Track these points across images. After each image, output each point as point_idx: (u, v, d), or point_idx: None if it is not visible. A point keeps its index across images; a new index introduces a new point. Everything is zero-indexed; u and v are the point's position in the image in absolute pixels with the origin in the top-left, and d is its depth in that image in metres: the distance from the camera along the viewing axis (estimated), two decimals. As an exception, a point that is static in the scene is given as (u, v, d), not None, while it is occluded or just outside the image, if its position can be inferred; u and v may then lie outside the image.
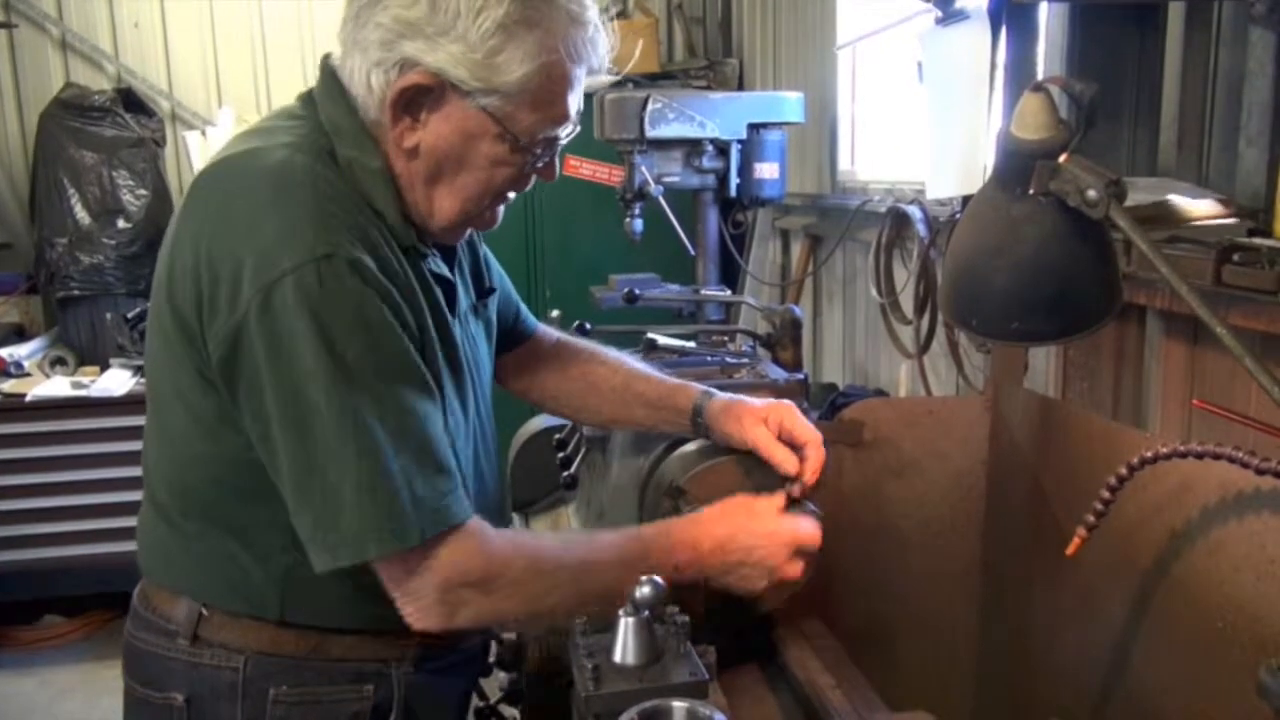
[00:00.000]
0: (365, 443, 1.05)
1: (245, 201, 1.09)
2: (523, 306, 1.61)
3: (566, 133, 1.20)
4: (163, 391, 1.20)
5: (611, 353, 1.61)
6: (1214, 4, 1.70)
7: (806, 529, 1.30)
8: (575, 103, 1.18)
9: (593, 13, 1.16)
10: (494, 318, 1.48)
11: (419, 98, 1.12)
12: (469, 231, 1.31)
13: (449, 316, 1.25)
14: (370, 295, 1.06)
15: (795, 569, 1.29)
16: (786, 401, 1.43)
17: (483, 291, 1.44)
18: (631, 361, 1.60)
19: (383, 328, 1.07)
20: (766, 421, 1.39)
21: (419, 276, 1.19)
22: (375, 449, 1.05)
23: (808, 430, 1.39)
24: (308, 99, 1.21)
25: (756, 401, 1.43)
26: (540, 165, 1.22)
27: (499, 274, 1.53)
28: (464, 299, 1.37)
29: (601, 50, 1.17)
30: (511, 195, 1.25)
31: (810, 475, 1.36)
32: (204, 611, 1.23)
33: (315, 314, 1.03)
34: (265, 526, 1.17)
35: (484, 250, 1.51)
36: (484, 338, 1.42)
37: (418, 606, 1.12)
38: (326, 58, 1.21)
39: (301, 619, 1.21)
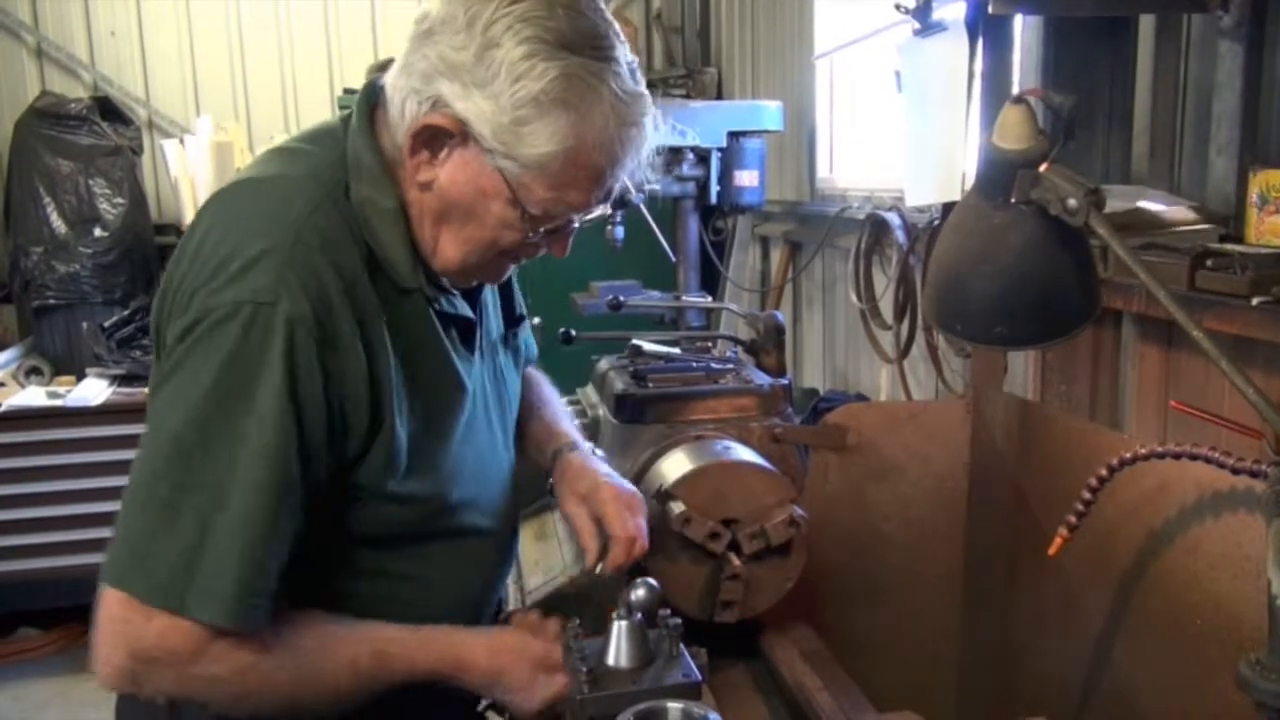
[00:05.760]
0: (174, 499, 1.03)
1: (234, 229, 1.09)
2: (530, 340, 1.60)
3: (585, 218, 1.18)
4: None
5: (540, 389, 1.59)
6: (1183, 17, 1.74)
7: (559, 691, 1.19)
8: (599, 196, 1.14)
9: (641, 114, 1.11)
10: (523, 345, 1.48)
11: (441, 137, 1.10)
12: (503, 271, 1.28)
13: (454, 357, 1.23)
14: (282, 369, 1.03)
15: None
16: (624, 491, 1.37)
17: (513, 320, 1.44)
18: (545, 400, 1.57)
19: (270, 414, 1.03)
20: (586, 501, 1.37)
21: (416, 320, 1.18)
22: (175, 507, 1.03)
23: (617, 524, 1.33)
24: (346, 122, 1.20)
25: (603, 477, 1.39)
26: (550, 239, 1.19)
27: None
28: (494, 330, 1.36)
29: (643, 154, 1.13)
30: (522, 259, 1.24)
31: (609, 565, 1.33)
32: None
33: (222, 362, 1.02)
34: None
35: (514, 277, 1.48)
36: (512, 366, 1.42)
37: (109, 664, 1.06)
38: (374, 80, 1.19)
39: None
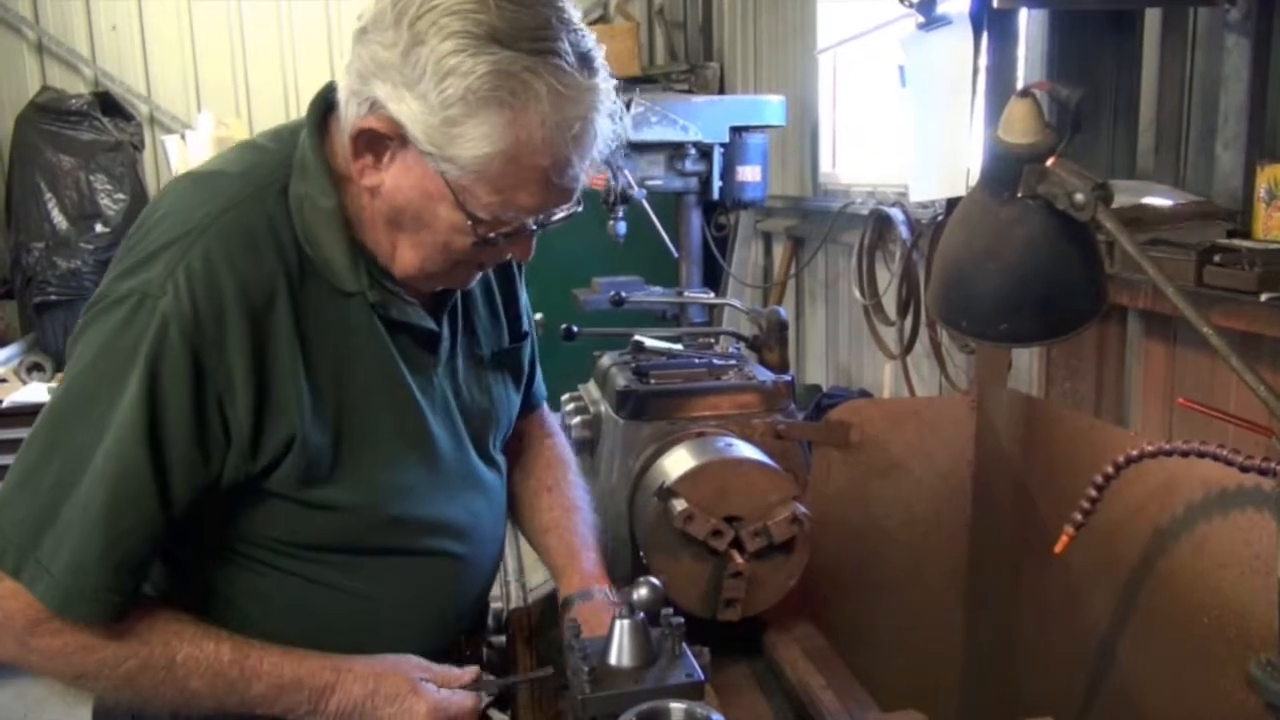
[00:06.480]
0: (39, 465, 1.04)
1: (161, 220, 1.10)
2: (537, 378, 1.53)
3: (547, 220, 1.11)
4: None
5: (566, 487, 1.50)
6: (1189, 10, 1.73)
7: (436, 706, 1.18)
8: (554, 197, 1.08)
9: (590, 108, 1.03)
10: (524, 363, 1.44)
11: (382, 140, 1.05)
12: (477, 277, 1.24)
13: (401, 367, 1.18)
14: (145, 364, 1.02)
15: None
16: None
17: (518, 335, 1.40)
18: (570, 506, 1.47)
19: (128, 409, 1.03)
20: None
21: (354, 325, 1.14)
22: (38, 474, 1.04)
23: None
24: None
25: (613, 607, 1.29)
26: (509, 242, 1.12)
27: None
28: (485, 346, 1.33)
29: (597, 149, 1.07)
30: (487, 265, 1.21)
31: None
32: None
33: (103, 344, 1.04)
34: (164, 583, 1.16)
35: (522, 292, 1.43)
36: (501, 383, 1.37)
37: None
38: (332, 81, 1.17)
39: None
